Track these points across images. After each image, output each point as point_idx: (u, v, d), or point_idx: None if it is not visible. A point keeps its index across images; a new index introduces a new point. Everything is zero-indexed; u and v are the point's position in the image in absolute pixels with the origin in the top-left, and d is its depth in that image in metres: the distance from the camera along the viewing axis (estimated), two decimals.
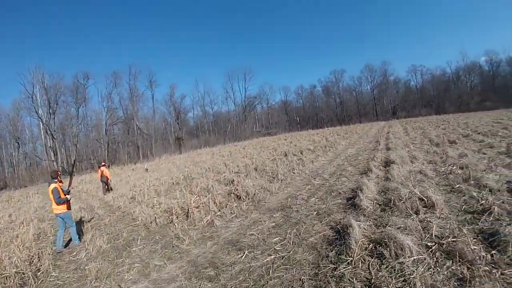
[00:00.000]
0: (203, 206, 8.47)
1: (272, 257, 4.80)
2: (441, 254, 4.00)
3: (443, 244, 4.21)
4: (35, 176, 42.22)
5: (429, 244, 4.28)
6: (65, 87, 54.23)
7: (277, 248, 5.11)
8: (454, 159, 9.87)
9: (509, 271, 3.52)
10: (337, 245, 4.79)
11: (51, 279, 5.75)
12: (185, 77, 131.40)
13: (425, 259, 3.89)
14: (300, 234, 5.55)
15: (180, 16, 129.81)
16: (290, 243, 5.22)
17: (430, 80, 76.87)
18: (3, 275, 5.74)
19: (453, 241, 4.20)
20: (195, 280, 4.51)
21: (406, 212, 5.68)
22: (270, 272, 4.35)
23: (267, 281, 4.13)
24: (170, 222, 7.83)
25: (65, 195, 7.58)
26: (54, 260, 6.84)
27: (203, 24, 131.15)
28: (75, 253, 7.07)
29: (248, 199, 8.89)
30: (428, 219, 5.17)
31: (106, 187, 16.79)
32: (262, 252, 5.05)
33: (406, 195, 6.23)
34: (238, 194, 9.26)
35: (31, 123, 55.03)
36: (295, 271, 4.27)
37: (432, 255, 4.02)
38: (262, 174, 12.43)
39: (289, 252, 4.87)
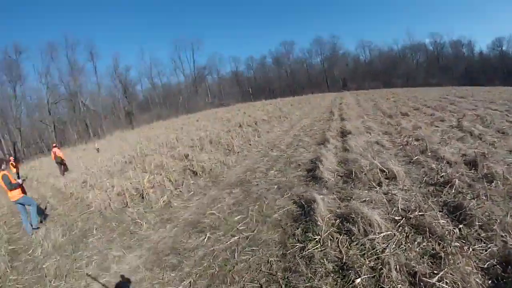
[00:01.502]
0: (158, 185, 8.05)
1: (236, 238, 4.58)
2: (410, 229, 3.81)
3: (410, 218, 4.02)
4: None
5: (396, 218, 4.08)
6: None
7: (240, 228, 4.90)
8: (408, 131, 9.99)
9: (479, 247, 3.36)
10: (303, 222, 4.59)
11: (9, 283, 5.17)
12: (129, 46, 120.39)
13: (394, 235, 3.69)
14: (262, 211, 5.35)
15: None
16: (253, 221, 5.02)
17: (378, 56, 78.99)
18: None
19: (421, 214, 4.02)
20: (157, 269, 4.25)
21: (369, 184, 5.48)
22: (236, 255, 4.13)
23: (234, 266, 3.93)
24: (126, 206, 7.34)
25: (16, 180, 7.33)
26: (11, 261, 6.10)
27: None
28: (31, 250, 6.35)
29: (205, 174, 8.56)
30: (392, 191, 4.95)
31: (63, 167, 15.95)
32: (224, 233, 4.84)
33: (367, 166, 6.00)
34: (194, 169, 8.90)
35: None
36: (262, 253, 4.07)
37: (401, 230, 3.81)
38: (218, 147, 12.06)
39: (253, 232, 4.68)
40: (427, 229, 3.69)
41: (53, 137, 47.66)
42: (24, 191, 7.59)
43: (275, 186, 6.53)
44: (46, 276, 5.00)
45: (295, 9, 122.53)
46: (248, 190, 6.67)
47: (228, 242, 4.53)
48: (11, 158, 8.30)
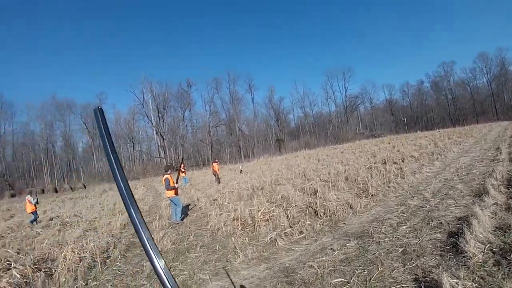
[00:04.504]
0: (272, 219, 8.02)
1: None
2: None
3: None
4: (147, 170, 50.51)
5: None
6: (171, 94, 67.28)
7: None
8: None
9: None
10: None
11: (114, 268, 6.50)
12: (283, 79, 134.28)
13: None
14: (370, 280, 4.40)
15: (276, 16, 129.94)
16: None
17: None
18: (81, 257, 6.70)
19: None
20: None
21: None
22: None
23: None
24: (234, 233, 7.62)
25: (174, 183, 10.21)
26: (125, 250, 7.63)
27: (299, 24, 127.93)
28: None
29: (326, 216, 7.97)
30: None
31: (216, 178, 20.88)
32: None
33: None
34: (316, 209, 8.49)
35: (145, 125, 68.38)
36: None
37: None
38: (352, 185, 11.21)
39: None
40: None
41: (209, 155, 60.40)
42: (176, 193, 10.37)
43: (400, 250, 5.26)
44: (141, 273, 5.95)
45: (454, 25, 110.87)
46: (365, 247, 5.68)
47: None
48: (182, 165, 11.24)
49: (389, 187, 10.19)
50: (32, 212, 14.57)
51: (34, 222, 14.22)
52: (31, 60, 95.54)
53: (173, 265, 6.06)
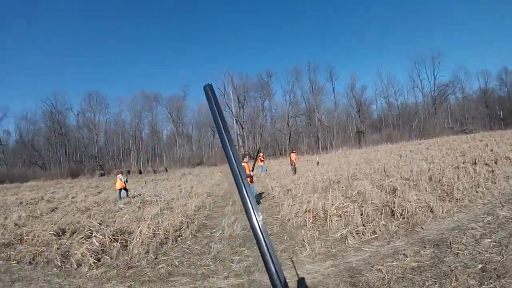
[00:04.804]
0: (345, 215, 7.68)
1: None
2: None
3: None
4: (224, 157, 54.49)
5: None
6: (251, 85, 69.56)
7: None
8: None
9: None
10: None
11: (183, 246, 6.94)
12: (366, 67, 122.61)
13: None
14: None
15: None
16: None
17: None
18: (155, 233, 7.32)
19: None
20: None
21: None
22: None
23: None
24: (304, 225, 7.50)
25: (250, 171, 10.23)
26: (196, 231, 8.10)
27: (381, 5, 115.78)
28: (215, 230, 8.00)
29: (403, 218, 7.35)
30: None
31: (292, 168, 21.63)
32: None
33: None
34: (393, 209, 7.90)
35: (225, 115, 71.55)
36: None
37: None
38: (436, 186, 10.16)
39: None
40: None
41: (287, 145, 61.44)
42: (251, 181, 10.56)
43: (479, 266, 4.51)
44: (207, 254, 6.26)
45: None
46: (441, 257, 5.02)
47: None
48: (261, 154, 11.64)
49: (477, 192, 8.97)
50: (120, 189, 16.50)
51: (124, 197, 16.12)
52: (122, 59, 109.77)
53: (239, 250, 6.23)
